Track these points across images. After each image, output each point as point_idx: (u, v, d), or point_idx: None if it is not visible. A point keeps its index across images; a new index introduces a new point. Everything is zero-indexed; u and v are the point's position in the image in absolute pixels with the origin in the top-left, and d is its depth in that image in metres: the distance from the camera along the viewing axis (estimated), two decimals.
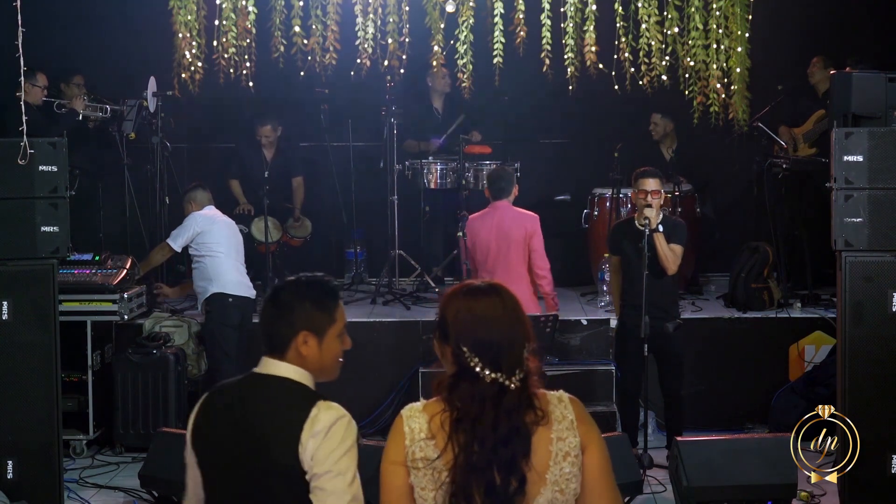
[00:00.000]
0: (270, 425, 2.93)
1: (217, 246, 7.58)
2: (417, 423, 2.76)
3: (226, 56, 7.89)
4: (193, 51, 7.95)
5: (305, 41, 7.87)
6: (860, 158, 5.85)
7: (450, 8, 7.50)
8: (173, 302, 8.60)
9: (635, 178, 6.86)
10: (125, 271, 7.62)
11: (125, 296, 7.45)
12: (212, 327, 7.53)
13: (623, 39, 7.64)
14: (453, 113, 9.16)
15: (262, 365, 3.05)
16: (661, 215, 6.79)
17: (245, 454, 2.95)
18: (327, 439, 2.87)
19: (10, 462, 5.85)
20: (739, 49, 7.75)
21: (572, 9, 7.57)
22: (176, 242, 7.68)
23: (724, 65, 7.81)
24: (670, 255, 6.72)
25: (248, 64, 8.09)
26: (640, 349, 6.74)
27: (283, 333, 3.02)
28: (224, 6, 7.77)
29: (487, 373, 2.76)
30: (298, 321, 3.01)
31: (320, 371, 3.05)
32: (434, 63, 7.93)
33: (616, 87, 7.73)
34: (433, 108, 9.29)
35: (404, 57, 7.97)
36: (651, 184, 6.76)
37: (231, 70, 7.99)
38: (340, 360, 3.11)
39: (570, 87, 7.94)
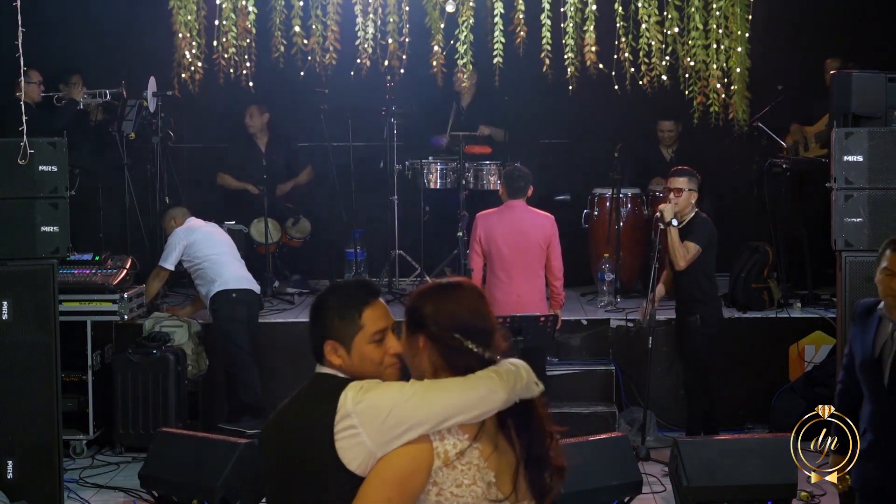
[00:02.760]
0: (305, 422, 2.84)
1: (208, 249, 7.60)
2: None
3: (226, 56, 7.88)
4: (193, 51, 7.94)
5: (305, 41, 7.87)
6: (860, 158, 5.86)
7: (450, 8, 7.50)
8: (173, 302, 8.60)
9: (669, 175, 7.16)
10: (125, 271, 7.62)
11: (125, 296, 7.45)
12: (220, 325, 7.54)
13: (623, 39, 7.64)
14: (477, 112, 9.16)
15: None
16: (693, 211, 7.00)
17: (287, 453, 2.88)
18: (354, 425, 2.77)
19: (10, 462, 5.85)
20: (739, 49, 7.74)
21: (572, 9, 7.57)
22: (168, 262, 7.70)
23: (724, 65, 7.80)
24: (680, 250, 6.86)
25: (248, 64, 8.08)
26: (677, 343, 7.15)
27: (314, 341, 2.96)
28: (224, 6, 7.76)
29: (483, 351, 2.84)
30: (323, 330, 2.93)
31: (362, 377, 2.90)
32: (434, 63, 7.93)
33: (616, 87, 7.73)
34: (459, 106, 9.26)
35: (404, 57, 7.97)
36: (676, 182, 7.01)
37: (231, 70, 7.99)
38: (390, 363, 2.93)
39: (570, 87, 7.94)
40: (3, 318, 5.85)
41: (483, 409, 2.80)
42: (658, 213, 6.96)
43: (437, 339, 2.85)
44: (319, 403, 2.83)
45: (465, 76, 7.95)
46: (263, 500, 3.13)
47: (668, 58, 7.76)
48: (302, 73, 8.16)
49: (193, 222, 7.79)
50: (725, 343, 7.87)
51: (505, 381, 2.81)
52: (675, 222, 6.87)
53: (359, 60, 7.90)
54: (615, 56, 7.66)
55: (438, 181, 8.89)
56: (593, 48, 7.61)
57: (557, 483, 2.89)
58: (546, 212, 7.26)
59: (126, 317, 7.48)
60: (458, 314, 2.87)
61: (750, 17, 7.73)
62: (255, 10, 7.74)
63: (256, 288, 7.73)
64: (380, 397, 2.79)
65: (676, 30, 7.70)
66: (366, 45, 7.76)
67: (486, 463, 2.77)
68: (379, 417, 2.75)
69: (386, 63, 8.03)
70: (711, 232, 7.02)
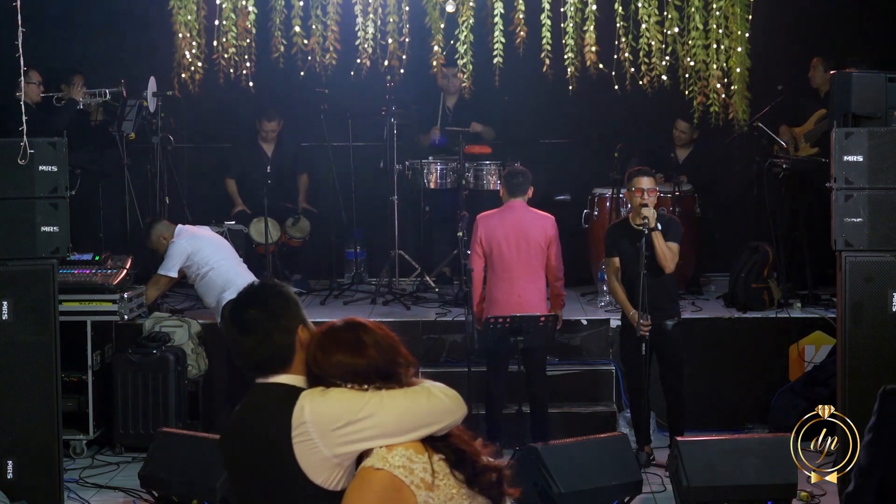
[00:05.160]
0: (266, 434, 2.84)
1: (214, 255, 7.51)
2: (398, 457, 2.73)
3: (226, 56, 7.89)
4: (193, 51, 7.95)
5: (305, 41, 7.88)
6: (860, 158, 5.85)
7: (450, 8, 7.50)
8: (173, 301, 8.60)
9: (629, 178, 6.92)
10: (125, 271, 7.61)
11: (125, 296, 7.43)
12: None
13: (623, 39, 7.64)
14: (463, 112, 9.17)
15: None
16: (656, 213, 6.83)
17: (251, 467, 2.88)
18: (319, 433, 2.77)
19: (10, 462, 5.84)
20: (739, 49, 7.75)
21: (572, 9, 7.58)
22: (171, 270, 7.56)
23: (724, 65, 7.81)
24: (669, 253, 6.76)
25: (248, 64, 8.09)
26: (641, 349, 6.76)
27: (286, 342, 2.90)
28: (224, 6, 7.77)
29: (366, 388, 2.82)
30: (297, 318, 2.93)
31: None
32: (434, 63, 7.94)
33: (616, 87, 7.73)
34: (445, 106, 9.28)
35: (404, 57, 7.97)
36: (646, 182, 6.81)
37: (231, 70, 7.99)
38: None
39: (570, 87, 7.94)
40: (3, 318, 5.84)
41: (447, 420, 2.82)
42: (644, 220, 6.73)
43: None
44: (276, 415, 2.81)
45: (466, 76, 7.95)
46: None
47: (668, 58, 7.76)
48: (302, 73, 8.17)
49: (191, 229, 7.70)
50: (726, 343, 7.88)
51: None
52: (660, 226, 6.77)
53: (359, 60, 7.91)
54: (615, 56, 7.66)
55: (438, 181, 8.90)
56: (593, 48, 7.61)
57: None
58: (546, 212, 7.25)
59: (126, 317, 7.47)
60: (333, 368, 2.84)
61: (750, 17, 7.73)
62: (255, 10, 7.75)
63: None
64: (333, 405, 2.78)
65: (676, 30, 7.71)
66: (366, 45, 7.77)
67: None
68: (331, 423, 2.75)
69: (386, 63, 8.03)
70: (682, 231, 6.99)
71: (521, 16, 7.55)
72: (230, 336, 2.93)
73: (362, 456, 2.76)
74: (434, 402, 2.81)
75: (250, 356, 2.90)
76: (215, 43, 7.90)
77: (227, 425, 3.05)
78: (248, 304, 2.94)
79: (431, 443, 2.78)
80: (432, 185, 8.92)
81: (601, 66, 7.69)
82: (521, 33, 7.57)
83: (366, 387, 2.81)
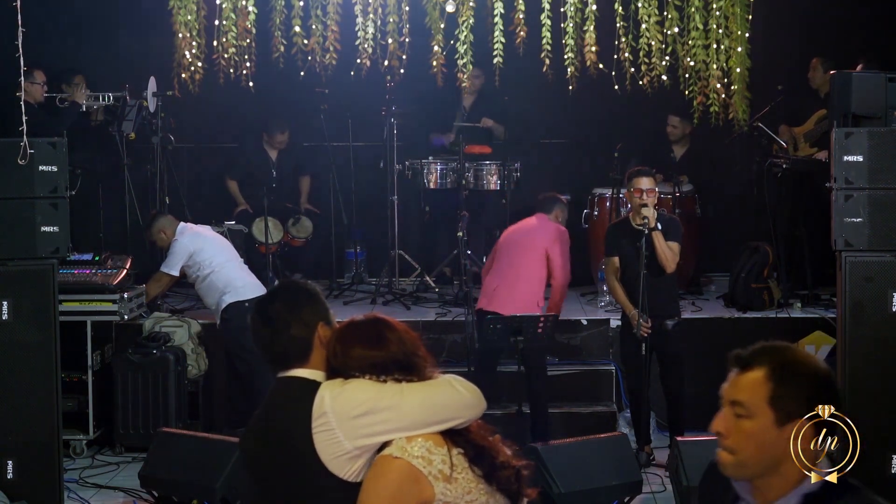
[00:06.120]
0: (285, 426, 2.86)
1: (216, 257, 7.48)
2: (418, 447, 2.74)
3: (226, 56, 7.89)
4: (193, 51, 7.95)
5: (305, 41, 7.88)
6: (860, 158, 5.85)
7: (450, 8, 7.50)
8: (173, 301, 8.60)
9: (629, 178, 6.93)
10: (125, 271, 7.61)
11: (125, 296, 7.43)
12: (233, 334, 7.33)
13: (623, 39, 7.64)
14: (479, 111, 9.18)
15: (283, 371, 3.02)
16: (656, 213, 6.83)
17: (271, 461, 2.90)
18: (338, 421, 2.79)
19: (10, 462, 5.84)
20: (739, 49, 7.75)
21: (572, 9, 7.58)
22: (173, 269, 7.54)
23: (724, 65, 7.80)
24: (669, 253, 6.76)
25: (248, 64, 8.09)
26: (641, 349, 6.76)
27: (303, 336, 2.96)
28: (224, 6, 7.77)
29: (384, 379, 2.85)
30: (312, 317, 2.98)
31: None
32: (434, 63, 7.93)
33: (616, 87, 7.73)
34: (461, 105, 9.29)
35: (404, 57, 7.97)
36: (646, 182, 6.82)
37: (231, 70, 7.99)
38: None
39: (570, 87, 7.94)
40: (3, 318, 5.84)
41: (466, 415, 2.85)
42: (644, 220, 6.73)
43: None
44: (296, 407, 2.84)
45: (466, 76, 7.95)
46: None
47: (668, 58, 7.76)
48: (302, 73, 8.16)
49: (194, 228, 7.69)
50: (726, 343, 7.85)
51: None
52: (660, 226, 6.77)
53: (359, 60, 7.90)
54: (615, 56, 7.66)
55: (438, 181, 8.90)
56: (593, 48, 7.61)
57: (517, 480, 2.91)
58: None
59: (126, 317, 7.47)
60: (354, 360, 2.88)
61: (750, 17, 7.73)
62: (255, 10, 7.74)
63: (264, 291, 7.69)
64: (354, 394, 2.81)
65: (676, 30, 7.70)
66: (366, 45, 7.76)
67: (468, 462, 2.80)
68: (352, 410, 2.77)
69: (386, 63, 8.03)
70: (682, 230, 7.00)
71: (521, 16, 7.54)
72: (253, 328, 3.03)
73: (382, 447, 2.77)
74: (455, 396, 2.84)
75: (269, 347, 2.99)
76: (215, 43, 7.90)
77: (248, 424, 3.07)
78: (274, 298, 3.07)
79: (451, 436, 2.80)
80: (432, 185, 8.92)
81: (601, 66, 7.69)
82: (521, 33, 7.57)
83: (384, 378, 2.82)
